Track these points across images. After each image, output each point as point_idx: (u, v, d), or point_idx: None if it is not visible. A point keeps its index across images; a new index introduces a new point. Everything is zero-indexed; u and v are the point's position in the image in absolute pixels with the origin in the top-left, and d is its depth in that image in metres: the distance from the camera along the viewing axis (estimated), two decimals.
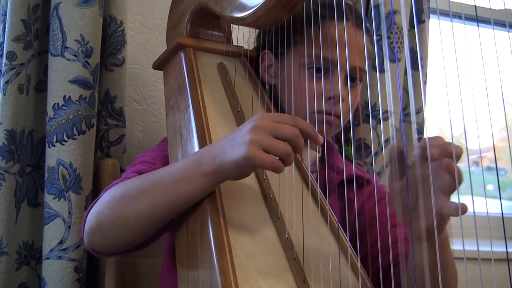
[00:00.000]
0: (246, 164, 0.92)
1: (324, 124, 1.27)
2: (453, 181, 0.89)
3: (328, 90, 1.29)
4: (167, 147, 1.25)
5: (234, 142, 0.94)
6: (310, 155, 1.35)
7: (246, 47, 1.46)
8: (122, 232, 1.05)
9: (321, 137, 0.96)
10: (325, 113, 1.29)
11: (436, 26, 2.20)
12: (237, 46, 1.44)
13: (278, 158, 0.93)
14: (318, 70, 1.30)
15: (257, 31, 1.48)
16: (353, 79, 1.34)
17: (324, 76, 1.30)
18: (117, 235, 1.06)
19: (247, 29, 1.41)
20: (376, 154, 1.89)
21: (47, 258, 1.49)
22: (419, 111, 1.99)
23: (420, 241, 0.95)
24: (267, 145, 0.91)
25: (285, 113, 1.34)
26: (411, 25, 2.00)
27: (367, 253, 1.15)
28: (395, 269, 1.01)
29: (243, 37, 1.45)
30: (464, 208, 0.87)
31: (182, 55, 1.34)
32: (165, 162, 1.23)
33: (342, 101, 1.30)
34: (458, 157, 0.89)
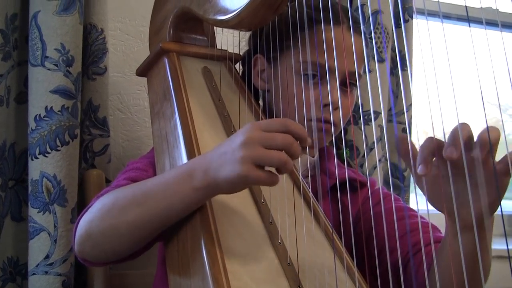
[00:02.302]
0: (240, 182, 0.90)
1: (323, 132, 1.28)
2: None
3: (323, 97, 1.28)
4: None
5: (225, 158, 0.91)
6: (302, 159, 1.33)
7: (234, 50, 1.44)
8: (112, 242, 1.03)
9: (309, 139, 0.93)
10: (319, 120, 1.27)
11: (420, 26, 2.20)
12: (221, 49, 1.42)
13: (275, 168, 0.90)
14: (313, 77, 1.29)
15: (247, 34, 1.46)
16: (349, 84, 1.32)
17: (319, 83, 1.28)
18: (107, 245, 1.04)
19: (232, 31, 1.40)
20: (365, 155, 1.88)
21: (33, 274, 1.46)
22: (407, 110, 1.99)
23: (467, 230, 0.93)
24: (260, 159, 0.88)
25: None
26: (395, 25, 2.00)
27: (379, 249, 1.12)
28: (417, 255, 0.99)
29: (228, 41, 1.43)
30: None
31: (166, 60, 1.32)
32: None
33: (338, 108, 1.28)
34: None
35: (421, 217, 1.22)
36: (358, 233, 1.23)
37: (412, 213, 1.27)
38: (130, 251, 1.06)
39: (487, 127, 0.84)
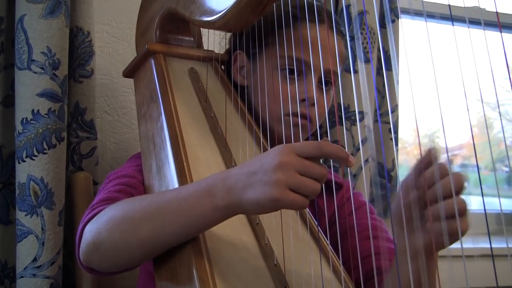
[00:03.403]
0: (271, 205, 0.85)
1: (299, 127, 1.28)
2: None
3: (301, 92, 1.27)
4: (141, 163, 1.22)
5: (255, 179, 0.86)
6: None
7: (217, 50, 1.44)
8: (122, 257, 1.00)
9: (353, 158, 0.89)
10: (296, 116, 1.27)
11: (407, 26, 2.20)
12: (208, 50, 1.42)
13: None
14: (292, 72, 1.29)
15: (228, 34, 1.46)
16: (326, 83, 1.32)
17: (297, 78, 1.28)
18: (117, 259, 1.01)
19: (218, 32, 1.40)
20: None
21: (21, 277, 1.46)
22: (393, 110, 1.99)
23: (416, 257, 0.93)
24: (295, 186, 0.84)
25: (258, 115, 1.33)
26: (382, 25, 2.00)
27: (344, 262, 1.12)
28: (371, 281, 0.99)
29: (214, 41, 1.43)
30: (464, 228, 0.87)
31: (152, 61, 1.32)
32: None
33: (314, 104, 1.28)
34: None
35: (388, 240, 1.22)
36: (330, 238, 1.18)
37: (381, 235, 1.25)
38: (138, 263, 1.03)
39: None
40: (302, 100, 1.28)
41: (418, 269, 0.91)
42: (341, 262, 1.09)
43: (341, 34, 1.37)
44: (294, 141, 1.25)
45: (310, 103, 1.28)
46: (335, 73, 1.33)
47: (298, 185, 0.84)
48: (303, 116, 1.28)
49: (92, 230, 1.01)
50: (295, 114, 1.27)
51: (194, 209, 0.91)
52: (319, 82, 1.30)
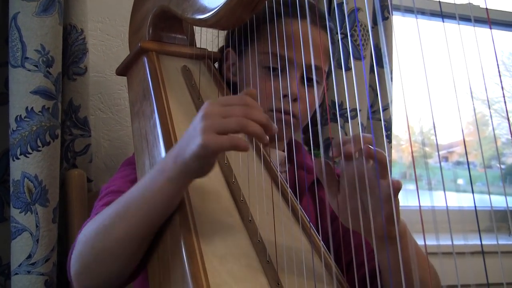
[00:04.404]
0: (204, 152, 0.88)
1: (283, 123, 1.27)
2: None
3: (283, 88, 1.29)
4: (131, 172, 1.23)
5: (189, 137, 0.91)
6: (278, 156, 1.34)
7: (210, 48, 1.44)
8: (109, 265, 1.00)
9: (267, 139, 0.92)
10: (278, 111, 1.29)
11: (401, 23, 2.21)
12: (200, 48, 1.42)
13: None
14: (274, 68, 1.29)
15: (221, 32, 1.46)
16: (310, 78, 1.32)
17: (280, 74, 1.29)
18: (105, 270, 1.01)
19: (211, 30, 1.40)
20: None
21: (16, 274, 1.46)
22: (386, 107, 1.99)
23: (383, 242, 0.96)
24: (219, 126, 0.88)
25: None
26: (375, 22, 2.00)
27: (349, 261, 1.12)
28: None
29: (207, 39, 1.44)
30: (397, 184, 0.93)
31: (145, 59, 1.32)
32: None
33: (297, 99, 1.29)
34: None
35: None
36: (334, 231, 1.20)
37: None
38: (129, 268, 1.03)
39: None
40: (284, 96, 1.29)
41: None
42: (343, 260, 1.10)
43: (326, 29, 1.36)
44: (282, 137, 1.27)
45: (292, 98, 1.29)
46: (320, 69, 1.34)
47: (221, 125, 0.88)
48: (286, 112, 1.29)
49: (75, 254, 1.03)
50: (277, 110, 1.29)
51: (153, 190, 0.95)
52: (303, 78, 1.31)
